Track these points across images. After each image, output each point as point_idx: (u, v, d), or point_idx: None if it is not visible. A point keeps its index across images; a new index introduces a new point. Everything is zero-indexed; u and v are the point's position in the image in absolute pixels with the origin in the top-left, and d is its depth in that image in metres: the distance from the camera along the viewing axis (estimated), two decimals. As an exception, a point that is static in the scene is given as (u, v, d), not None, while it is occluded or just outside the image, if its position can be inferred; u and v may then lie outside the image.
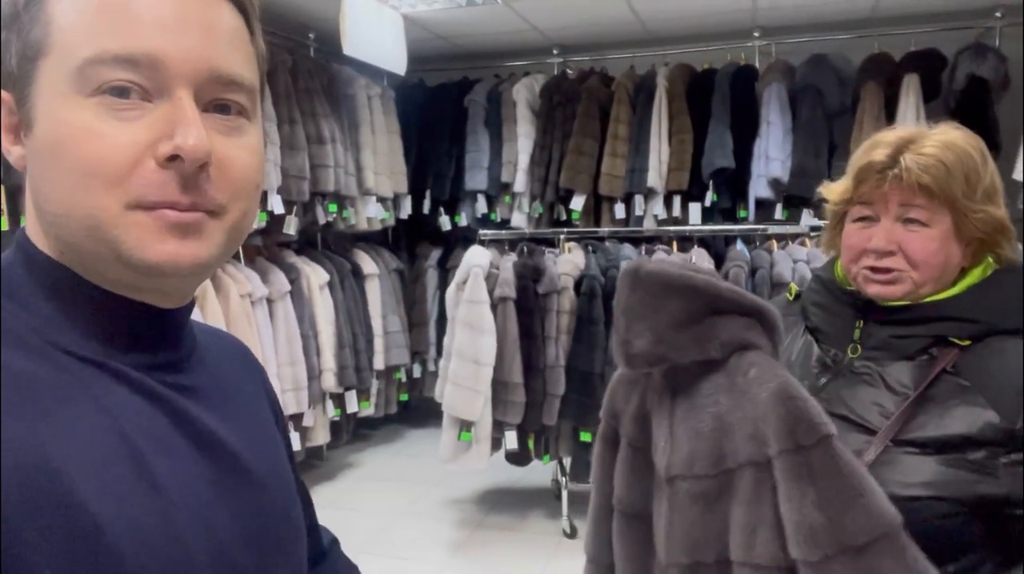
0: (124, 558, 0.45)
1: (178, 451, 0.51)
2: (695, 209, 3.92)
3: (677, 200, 3.95)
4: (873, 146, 1.07)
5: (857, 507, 0.78)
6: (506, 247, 3.33)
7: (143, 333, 0.54)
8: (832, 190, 1.13)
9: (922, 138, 1.04)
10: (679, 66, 4.07)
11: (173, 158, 0.48)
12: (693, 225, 3.79)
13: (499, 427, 3.06)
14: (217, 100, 0.52)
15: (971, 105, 3.41)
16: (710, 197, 3.88)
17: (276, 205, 3.30)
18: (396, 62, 3.69)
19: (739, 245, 3.44)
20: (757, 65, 4.03)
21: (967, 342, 1.01)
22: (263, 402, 0.69)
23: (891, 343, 1.05)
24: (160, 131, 0.49)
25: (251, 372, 0.70)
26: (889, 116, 3.56)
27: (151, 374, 0.53)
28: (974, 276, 1.07)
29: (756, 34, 4.07)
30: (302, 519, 0.64)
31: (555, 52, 4.47)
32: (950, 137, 1.04)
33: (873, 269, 1.06)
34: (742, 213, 3.94)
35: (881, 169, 1.03)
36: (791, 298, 1.24)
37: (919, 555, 0.79)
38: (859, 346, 1.08)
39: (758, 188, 3.79)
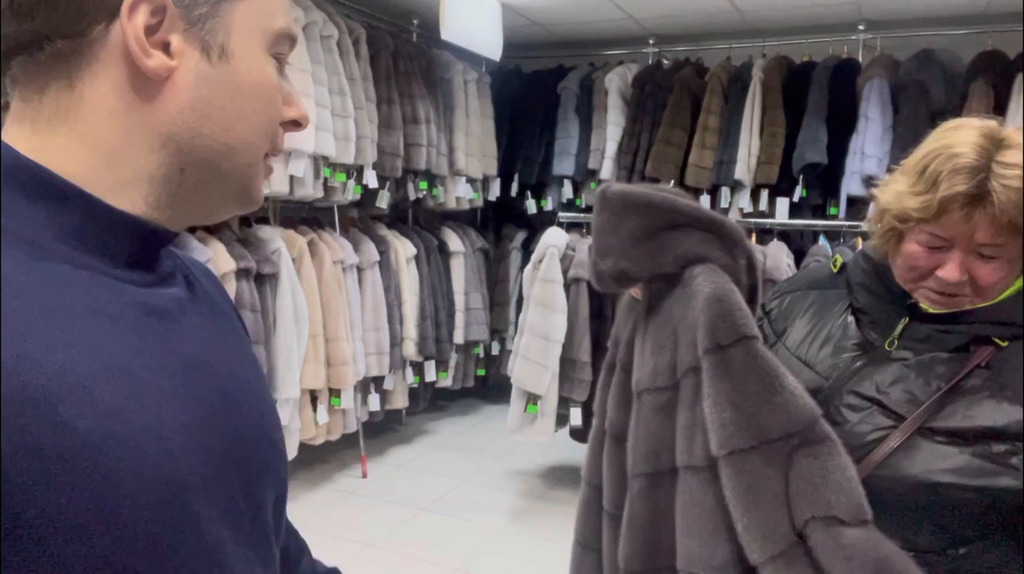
0: (121, 478, 0.43)
1: (170, 369, 0.50)
2: (783, 204, 3.86)
3: (765, 194, 3.91)
4: (953, 169, 0.98)
5: (773, 404, 0.80)
6: (584, 230, 3.41)
7: (146, 250, 0.53)
8: (899, 204, 1.03)
9: (1000, 157, 0.98)
10: (777, 58, 4.00)
11: (294, 122, 0.58)
12: (779, 219, 3.75)
13: (565, 403, 3.16)
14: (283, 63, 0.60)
15: (1091, 107, 3.20)
16: (799, 192, 3.81)
17: (371, 180, 3.51)
18: (492, 48, 3.82)
19: (822, 240, 3.39)
20: (860, 59, 3.91)
21: (1006, 342, 1.02)
22: (239, 321, 0.69)
23: (932, 337, 1.06)
24: (282, 97, 0.58)
25: (224, 296, 0.69)
26: (999, 116, 3.39)
27: (148, 288, 0.52)
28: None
29: (861, 27, 3.95)
30: (284, 443, 0.64)
31: (651, 42, 4.48)
32: None
33: (937, 292, 1.04)
34: (832, 210, 3.85)
35: (966, 202, 0.96)
36: (835, 269, 1.22)
37: (836, 451, 0.81)
38: (897, 340, 1.08)
39: (851, 185, 3.69)
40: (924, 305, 1.07)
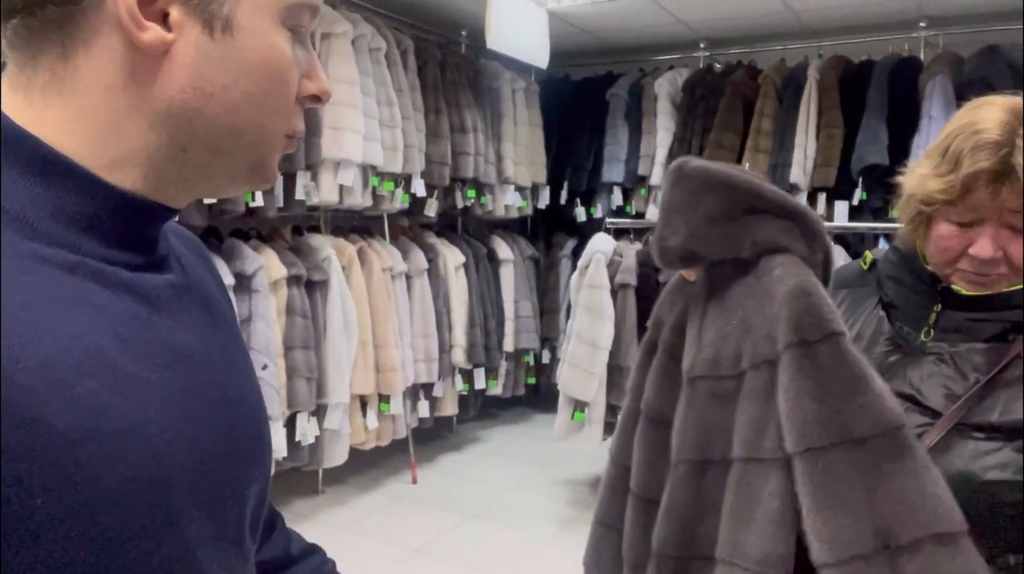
0: (101, 477, 0.41)
1: (159, 360, 0.47)
2: (841, 207, 3.73)
3: (822, 198, 3.80)
4: (975, 146, 0.96)
5: (858, 404, 0.76)
6: (631, 236, 3.37)
7: (143, 231, 0.51)
8: (923, 187, 1.01)
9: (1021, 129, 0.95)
10: (834, 58, 3.90)
11: (314, 97, 0.54)
12: (838, 223, 3.63)
13: (613, 411, 3.12)
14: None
15: None
16: (859, 195, 3.69)
17: (419, 188, 3.56)
18: (539, 56, 3.82)
19: (883, 244, 3.27)
20: (922, 58, 3.77)
21: None
22: (229, 303, 0.64)
23: (967, 326, 1.02)
24: (301, 71, 0.53)
25: (211, 268, 0.65)
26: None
27: (141, 272, 0.50)
28: None
29: (922, 24, 3.81)
30: (271, 435, 0.61)
31: (702, 46, 4.42)
32: None
33: (973, 273, 1.01)
34: (894, 213, 3.69)
35: (991, 179, 0.95)
36: (865, 267, 1.19)
37: (925, 461, 0.78)
38: (932, 329, 1.05)
39: (913, 187, 3.55)
40: (959, 288, 1.03)
